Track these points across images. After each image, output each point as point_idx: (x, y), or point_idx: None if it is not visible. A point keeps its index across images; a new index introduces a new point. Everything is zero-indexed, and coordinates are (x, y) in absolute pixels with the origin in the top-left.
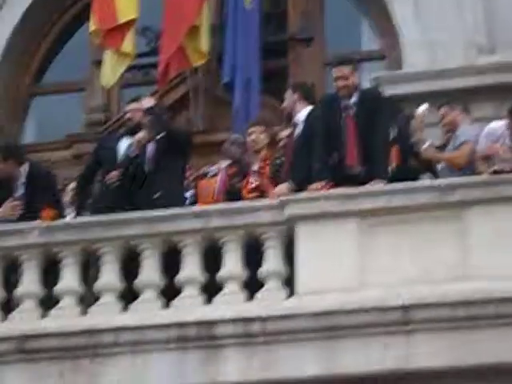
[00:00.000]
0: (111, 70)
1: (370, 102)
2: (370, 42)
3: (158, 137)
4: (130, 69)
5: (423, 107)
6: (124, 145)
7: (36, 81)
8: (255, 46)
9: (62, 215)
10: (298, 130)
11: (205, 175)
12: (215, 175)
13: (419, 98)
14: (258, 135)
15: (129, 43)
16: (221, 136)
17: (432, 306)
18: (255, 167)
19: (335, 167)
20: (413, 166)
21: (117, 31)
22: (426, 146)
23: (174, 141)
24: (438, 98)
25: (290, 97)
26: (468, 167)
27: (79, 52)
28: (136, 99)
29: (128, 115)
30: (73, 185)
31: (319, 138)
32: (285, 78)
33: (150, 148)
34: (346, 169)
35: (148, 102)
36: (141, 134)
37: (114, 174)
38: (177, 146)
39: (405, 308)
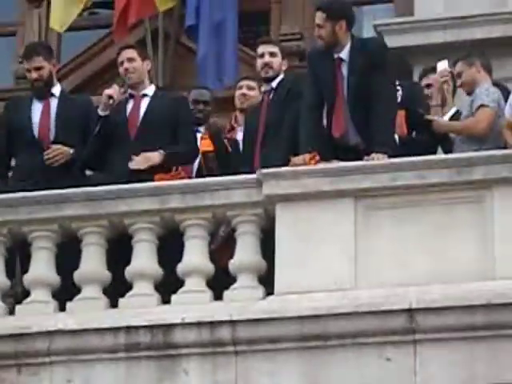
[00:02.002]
0: (64, 11)
1: (367, 55)
2: None
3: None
4: None
5: (443, 63)
6: (37, 108)
7: None
8: None
9: None
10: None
11: None
12: None
13: (432, 52)
14: (249, 90)
15: None
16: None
17: (445, 310)
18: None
19: (326, 137)
20: (423, 137)
21: None
22: (436, 118)
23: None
24: (454, 52)
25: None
26: (491, 138)
27: None
28: (129, 46)
29: (34, 74)
30: None
31: (307, 100)
32: (265, 24)
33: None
34: (336, 140)
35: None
36: (112, 89)
37: (52, 151)
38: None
39: (411, 312)
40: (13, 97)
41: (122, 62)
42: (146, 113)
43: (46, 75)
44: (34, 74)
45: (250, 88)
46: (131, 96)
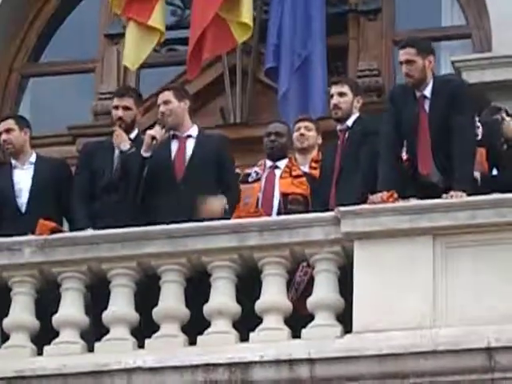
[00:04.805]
0: (136, 49)
1: (448, 93)
2: (452, 16)
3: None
4: None
5: None
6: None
7: (32, 59)
8: (319, 18)
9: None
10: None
11: (245, 179)
12: (258, 180)
13: (511, 88)
14: (307, 131)
15: (158, 16)
16: (264, 130)
17: None
18: (305, 168)
19: (406, 174)
20: (504, 174)
21: (143, 0)
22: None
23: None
24: None
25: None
26: None
27: (87, 24)
28: (167, 89)
29: (120, 113)
30: None
31: (386, 137)
32: (343, 59)
33: (177, 146)
34: (420, 177)
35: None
36: (155, 130)
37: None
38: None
39: (490, 351)
40: (91, 141)
41: (159, 105)
42: (192, 155)
43: (130, 119)
44: (120, 113)
45: (307, 129)
46: (174, 137)
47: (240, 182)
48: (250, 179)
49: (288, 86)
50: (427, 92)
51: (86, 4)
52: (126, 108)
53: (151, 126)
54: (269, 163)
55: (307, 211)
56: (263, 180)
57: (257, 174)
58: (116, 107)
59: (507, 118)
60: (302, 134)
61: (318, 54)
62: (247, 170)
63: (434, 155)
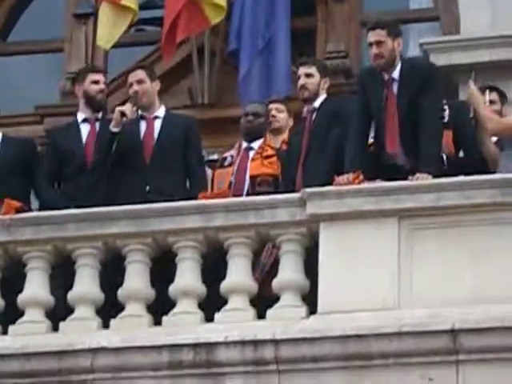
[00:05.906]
0: (110, 28)
1: (416, 76)
2: None
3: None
4: None
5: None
6: (85, 130)
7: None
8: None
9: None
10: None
11: (222, 163)
12: (231, 164)
13: (478, 70)
14: (278, 113)
15: None
16: (232, 111)
17: (488, 331)
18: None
19: (372, 156)
20: (470, 156)
21: None
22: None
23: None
24: (500, 71)
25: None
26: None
27: (55, 4)
28: (139, 67)
29: (102, 86)
30: None
31: (356, 121)
32: (311, 41)
33: (146, 127)
34: (386, 158)
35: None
36: (126, 106)
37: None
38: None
39: (454, 333)
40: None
41: (132, 84)
42: (159, 136)
43: (106, 93)
44: (102, 86)
45: (278, 111)
46: (142, 118)
47: (217, 166)
48: (226, 163)
49: (248, 67)
50: (395, 74)
51: None
52: (103, 82)
53: (121, 104)
54: (244, 144)
55: (276, 192)
56: (236, 163)
57: (232, 157)
58: (95, 82)
59: (472, 86)
60: (273, 116)
61: (282, 36)
62: (224, 154)
63: (401, 137)
